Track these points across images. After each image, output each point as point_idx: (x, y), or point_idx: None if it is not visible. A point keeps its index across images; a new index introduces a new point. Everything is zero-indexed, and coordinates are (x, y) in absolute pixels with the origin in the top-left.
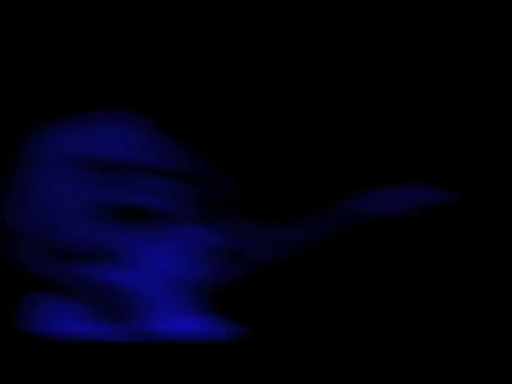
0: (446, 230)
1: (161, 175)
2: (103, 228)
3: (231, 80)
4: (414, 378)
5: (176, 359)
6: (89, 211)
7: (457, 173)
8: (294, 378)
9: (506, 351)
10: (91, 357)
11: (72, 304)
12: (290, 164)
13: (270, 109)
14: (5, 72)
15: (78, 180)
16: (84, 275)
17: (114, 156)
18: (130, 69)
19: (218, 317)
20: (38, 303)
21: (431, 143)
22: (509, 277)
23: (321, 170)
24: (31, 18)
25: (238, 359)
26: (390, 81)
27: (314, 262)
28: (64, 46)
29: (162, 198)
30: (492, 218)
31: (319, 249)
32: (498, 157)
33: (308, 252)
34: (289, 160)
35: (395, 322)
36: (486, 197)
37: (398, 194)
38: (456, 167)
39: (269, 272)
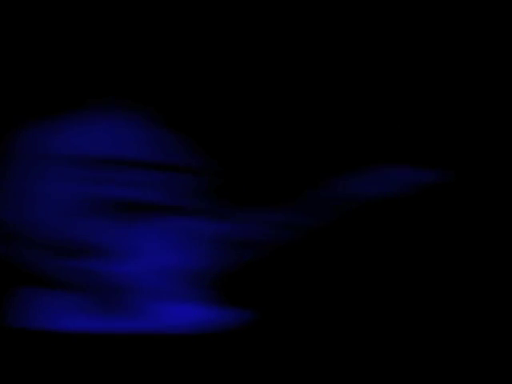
0: (436, 212)
1: (154, 167)
2: (100, 223)
3: (219, 71)
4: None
5: (180, 350)
6: (84, 206)
7: (447, 153)
8: (298, 364)
9: (502, 333)
10: (92, 351)
11: (70, 299)
12: (281, 146)
13: (258, 95)
14: None
15: (72, 176)
16: (82, 270)
17: (107, 150)
18: (121, 62)
19: (220, 305)
20: (35, 299)
21: (421, 124)
22: (505, 259)
23: (311, 153)
24: (23, 14)
25: (242, 346)
26: (376, 64)
27: (312, 245)
28: (56, 42)
29: (157, 190)
30: (486, 198)
31: (314, 232)
32: (490, 137)
33: (304, 235)
34: (280, 142)
35: (394, 305)
36: (478, 177)
37: (387, 176)
38: (446, 147)
39: (268, 257)
